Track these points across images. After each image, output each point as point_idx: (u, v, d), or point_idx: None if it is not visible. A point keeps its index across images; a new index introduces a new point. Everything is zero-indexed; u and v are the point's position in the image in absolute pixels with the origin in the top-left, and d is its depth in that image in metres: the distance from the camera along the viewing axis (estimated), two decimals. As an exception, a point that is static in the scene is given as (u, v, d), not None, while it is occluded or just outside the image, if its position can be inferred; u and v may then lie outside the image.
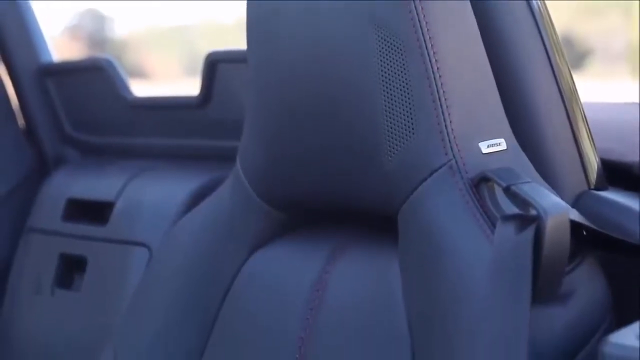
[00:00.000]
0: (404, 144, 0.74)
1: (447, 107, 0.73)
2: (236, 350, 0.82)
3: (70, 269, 1.31)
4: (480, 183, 0.73)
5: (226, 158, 1.01)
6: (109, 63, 1.35)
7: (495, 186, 0.72)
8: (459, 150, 0.73)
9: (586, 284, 0.72)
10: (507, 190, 0.71)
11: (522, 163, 0.76)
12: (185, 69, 4.50)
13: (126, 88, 1.34)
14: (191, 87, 1.29)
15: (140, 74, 4.12)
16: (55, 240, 1.32)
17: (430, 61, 0.73)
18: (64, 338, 1.27)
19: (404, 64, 0.73)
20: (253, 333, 0.82)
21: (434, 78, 0.73)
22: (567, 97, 0.81)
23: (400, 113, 0.74)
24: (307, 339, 0.78)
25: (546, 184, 0.75)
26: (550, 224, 0.66)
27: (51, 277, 1.31)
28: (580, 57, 4.29)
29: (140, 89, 1.37)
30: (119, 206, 1.26)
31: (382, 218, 0.78)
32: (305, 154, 0.79)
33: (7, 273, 1.37)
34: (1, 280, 1.37)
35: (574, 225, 0.69)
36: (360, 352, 0.75)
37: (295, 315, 0.79)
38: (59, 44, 2.45)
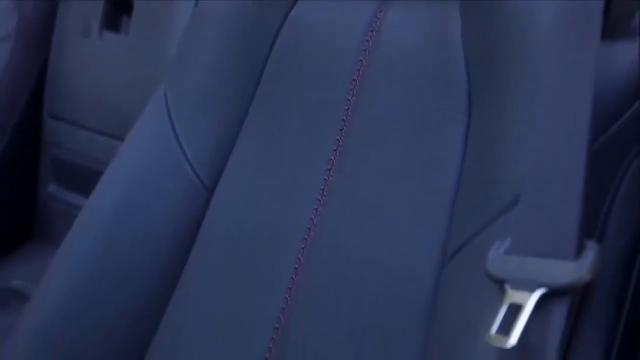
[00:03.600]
0: None
1: None
2: (285, 97, 0.81)
3: (118, 11, 1.29)
4: None
5: None
6: None
7: None
8: None
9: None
10: None
11: None
12: None
13: None
14: None
15: None
16: (101, -20, 1.30)
17: None
18: (114, 81, 1.27)
19: None
20: (304, 77, 0.80)
21: None
22: None
23: None
24: (358, 86, 0.76)
25: None
26: None
27: (99, 19, 1.29)
28: None
29: None
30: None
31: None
32: None
33: (54, 16, 1.35)
34: (49, 23, 1.36)
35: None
36: (415, 95, 0.73)
37: (348, 58, 0.77)
38: None
